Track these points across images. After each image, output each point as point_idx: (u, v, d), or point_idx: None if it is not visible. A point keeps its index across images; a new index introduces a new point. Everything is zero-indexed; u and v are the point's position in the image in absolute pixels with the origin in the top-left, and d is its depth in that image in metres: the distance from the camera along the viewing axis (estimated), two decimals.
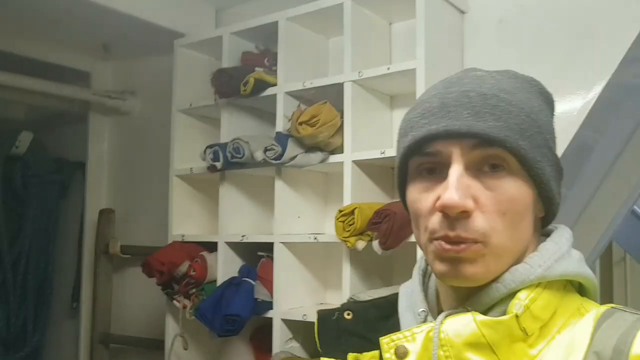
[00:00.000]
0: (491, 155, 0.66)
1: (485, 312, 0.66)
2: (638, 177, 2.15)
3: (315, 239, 1.70)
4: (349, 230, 1.54)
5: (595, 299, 0.72)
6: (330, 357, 0.78)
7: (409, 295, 0.77)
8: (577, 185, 2.01)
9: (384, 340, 0.68)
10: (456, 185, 0.64)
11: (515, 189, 0.66)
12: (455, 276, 0.66)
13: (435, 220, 0.66)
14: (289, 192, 1.81)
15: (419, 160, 0.69)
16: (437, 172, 0.68)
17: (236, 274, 1.90)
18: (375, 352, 0.75)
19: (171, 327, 2.02)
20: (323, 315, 0.83)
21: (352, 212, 1.54)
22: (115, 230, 2.53)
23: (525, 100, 0.68)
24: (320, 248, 1.79)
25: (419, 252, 0.81)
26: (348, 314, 0.80)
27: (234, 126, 1.94)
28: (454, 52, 1.72)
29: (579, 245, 2.09)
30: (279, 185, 1.79)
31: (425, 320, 0.72)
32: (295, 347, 1.76)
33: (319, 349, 0.80)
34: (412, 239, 1.52)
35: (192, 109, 2.06)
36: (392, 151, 1.60)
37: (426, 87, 1.54)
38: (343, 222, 1.56)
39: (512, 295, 0.66)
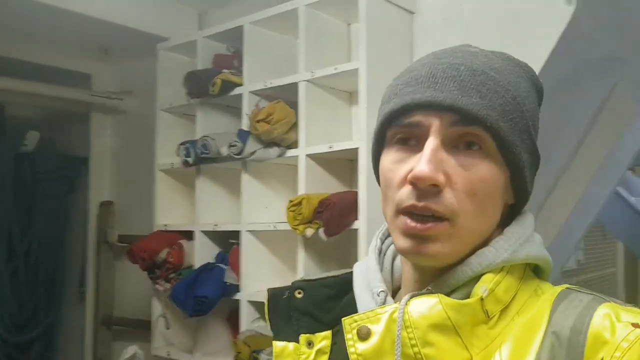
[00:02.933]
0: (469, 133, 0.64)
1: (448, 295, 0.64)
2: (599, 163, 2.23)
3: (274, 227, 1.84)
4: (298, 219, 1.69)
5: (549, 280, 0.73)
6: (281, 339, 0.75)
7: (365, 275, 0.75)
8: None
9: (347, 321, 0.65)
10: (429, 158, 0.62)
11: (488, 171, 0.65)
12: (418, 253, 0.65)
13: (404, 192, 0.65)
14: (255, 184, 1.96)
15: (398, 130, 0.67)
16: (413, 144, 0.66)
17: (212, 260, 2.07)
18: (328, 333, 0.74)
19: (157, 309, 2.21)
20: (274, 293, 0.78)
21: (300, 203, 1.68)
22: (115, 220, 2.73)
23: (514, 83, 0.67)
24: (283, 235, 1.93)
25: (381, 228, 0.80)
26: (299, 293, 0.77)
27: (208, 123, 2.10)
28: (403, 51, 1.84)
29: (547, 225, 2.18)
30: (245, 178, 1.94)
31: (385, 301, 0.70)
32: (262, 326, 1.92)
33: (270, 330, 0.77)
34: (355, 226, 1.66)
35: (173, 107, 2.23)
36: (342, 145, 1.73)
37: (368, 85, 1.68)
38: (293, 211, 1.70)
39: (475, 278, 0.66)
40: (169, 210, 2.26)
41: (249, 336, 1.84)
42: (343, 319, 0.66)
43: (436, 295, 0.63)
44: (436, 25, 1.83)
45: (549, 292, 0.67)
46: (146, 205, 2.52)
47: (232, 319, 2.10)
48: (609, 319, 0.59)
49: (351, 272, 0.78)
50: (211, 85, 1.96)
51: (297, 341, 0.74)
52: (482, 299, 0.63)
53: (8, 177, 2.75)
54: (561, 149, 2.16)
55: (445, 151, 0.64)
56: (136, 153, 2.70)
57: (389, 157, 0.68)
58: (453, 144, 0.65)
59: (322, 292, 0.78)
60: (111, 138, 2.84)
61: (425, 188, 0.63)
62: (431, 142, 0.64)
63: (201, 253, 2.07)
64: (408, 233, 0.65)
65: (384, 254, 0.77)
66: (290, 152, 1.84)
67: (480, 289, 0.64)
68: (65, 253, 2.95)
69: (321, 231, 1.65)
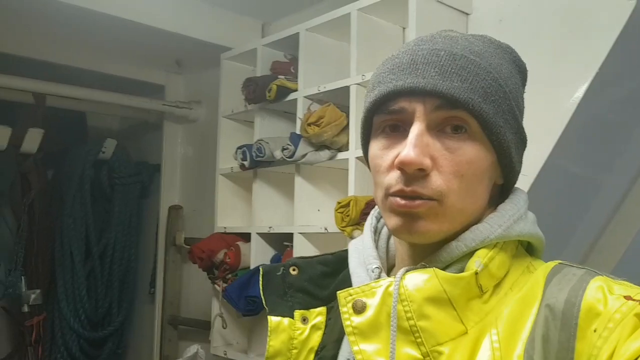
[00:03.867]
0: (454, 117, 0.65)
1: (442, 270, 0.66)
2: None
3: (325, 229, 1.86)
4: (346, 221, 1.69)
5: (542, 257, 0.74)
6: (276, 314, 0.76)
7: (360, 252, 0.76)
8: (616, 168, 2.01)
9: (342, 295, 0.66)
10: (414, 143, 0.64)
11: (474, 152, 0.66)
12: (408, 231, 0.66)
13: (392, 176, 0.66)
14: (308, 187, 1.98)
15: (383, 117, 0.69)
16: (400, 130, 0.67)
17: (268, 262, 2.11)
18: (322, 309, 0.76)
19: (215, 308, 2.27)
20: (268, 270, 0.80)
21: (348, 204, 1.68)
22: (183, 224, 2.84)
23: (496, 65, 0.68)
24: (334, 237, 1.94)
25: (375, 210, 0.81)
26: (294, 269, 0.78)
27: (266, 129, 2.16)
28: None
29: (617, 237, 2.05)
30: (298, 180, 1.97)
31: (379, 277, 0.71)
32: None
33: (265, 306, 0.78)
34: None
35: (234, 114, 2.31)
36: None
37: None
38: (341, 213, 1.71)
39: (469, 254, 0.67)
40: (229, 213, 2.33)
41: None
42: (338, 292, 0.67)
43: (431, 269, 0.64)
44: (492, 26, 1.79)
45: (542, 267, 0.68)
46: (210, 209, 2.61)
47: None
48: (601, 292, 0.60)
49: (347, 251, 0.79)
50: (267, 91, 2.01)
51: (292, 317, 0.76)
52: (476, 273, 0.64)
53: (88, 182, 2.93)
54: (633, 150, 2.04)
55: (431, 135, 0.66)
56: (202, 159, 2.80)
57: (376, 144, 0.70)
58: (439, 128, 0.66)
59: (317, 269, 0.79)
60: (182, 145, 2.97)
61: (412, 172, 0.64)
62: (416, 127, 0.65)
63: (257, 255, 2.11)
64: (398, 211, 0.66)
65: (379, 233, 0.79)
66: (341, 155, 1.85)
67: (475, 263, 0.65)
68: (137, 255, 3.09)
69: None
